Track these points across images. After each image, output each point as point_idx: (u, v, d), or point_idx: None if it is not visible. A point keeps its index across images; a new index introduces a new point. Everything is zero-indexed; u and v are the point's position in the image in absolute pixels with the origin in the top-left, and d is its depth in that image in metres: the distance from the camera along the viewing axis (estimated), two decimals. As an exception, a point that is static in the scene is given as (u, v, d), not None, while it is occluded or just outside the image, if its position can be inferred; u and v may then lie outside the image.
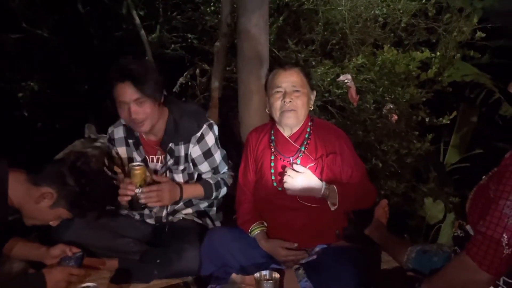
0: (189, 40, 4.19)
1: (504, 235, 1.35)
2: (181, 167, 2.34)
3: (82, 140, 3.75)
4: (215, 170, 2.39)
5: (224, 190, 2.37)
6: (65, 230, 2.21)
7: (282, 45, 3.88)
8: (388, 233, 2.29)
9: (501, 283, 1.43)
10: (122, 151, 2.40)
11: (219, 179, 2.36)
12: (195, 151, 2.32)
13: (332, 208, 2.08)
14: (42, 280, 1.91)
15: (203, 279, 2.13)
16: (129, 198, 2.12)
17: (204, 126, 2.32)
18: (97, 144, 3.63)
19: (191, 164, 2.35)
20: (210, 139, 2.34)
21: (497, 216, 1.36)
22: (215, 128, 2.38)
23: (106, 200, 2.14)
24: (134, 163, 2.18)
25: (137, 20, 4.06)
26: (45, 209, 1.92)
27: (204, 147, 2.33)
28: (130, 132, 2.36)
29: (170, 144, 2.29)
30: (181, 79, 4.13)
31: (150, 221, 2.43)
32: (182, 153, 2.32)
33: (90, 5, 4.48)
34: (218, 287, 2.06)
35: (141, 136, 2.35)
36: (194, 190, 2.31)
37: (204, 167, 2.36)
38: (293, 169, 2.10)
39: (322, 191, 2.06)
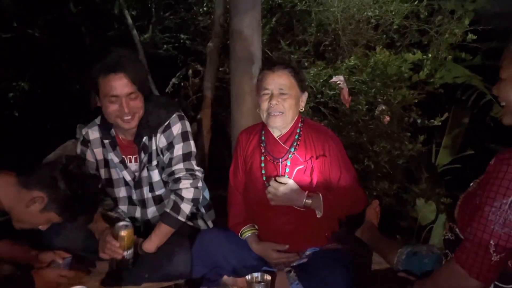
0: (181, 41, 4.19)
1: (491, 241, 1.35)
2: (154, 162, 2.27)
3: (74, 141, 3.71)
4: (168, 162, 2.23)
5: (186, 206, 2.19)
6: (55, 235, 2.17)
7: (275, 46, 3.89)
8: (379, 234, 2.30)
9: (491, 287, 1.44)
10: (98, 152, 2.30)
11: (174, 198, 2.19)
12: (162, 141, 2.23)
13: (318, 215, 2.08)
14: (30, 282, 1.89)
15: (194, 281, 2.12)
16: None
17: (174, 115, 2.22)
18: (89, 144, 3.61)
19: (162, 157, 2.27)
20: (176, 129, 2.22)
21: (483, 223, 1.36)
22: (186, 122, 2.27)
23: (98, 204, 2.11)
24: (121, 224, 2.07)
25: (129, 20, 4.04)
26: (35, 213, 1.89)
27: (169, 137, 2.22)
28: (105, 132, 2.27)
29: (143, 139, 2.22)
30: (173, 80, 4.13)
31: (139, 224, 2.40)
32: (154, 147, 2.24)
33: (81, 5, 4.46)
34: (209, 289, 2.06)
35: (117, 136, 2.27)
36: (161, 237, 2.18)
37: (165, 158, 2.25)
38: (276, 181, 2.08)
39: (303, 201, 2.05)
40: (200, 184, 2.25)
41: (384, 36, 3.91)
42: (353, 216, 2.31)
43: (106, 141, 2.28)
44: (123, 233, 2.03)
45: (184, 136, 2.25)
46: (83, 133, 2.33)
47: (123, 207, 2.37)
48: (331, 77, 3.56)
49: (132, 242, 2.06)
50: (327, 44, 3.96)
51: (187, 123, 2.28)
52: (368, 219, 2.35)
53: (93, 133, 2.31)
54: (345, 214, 2.21)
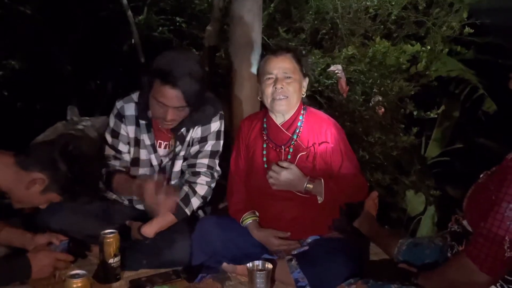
0: (177, 24, 4.10)
1: (506, 237, 1.35)
2: (182, 153, 2.26)
3: (64, 123, 3.64)
4: (195, 154, 2.25)
5: (196, 201, 2.21)
6: (52, 217, 2.12)
7: (272, 33, 3.84)
8: (378, 225, 2.30)
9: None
10: (131, 130, 2.24)
11: (187, 189, 2.21)
12: (197, 132, 2.23)
13: (319, 201, 2.08)
14: (27, 265, 1.85)
15: (193, 268, 2.09)
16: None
17: (219, 113, 2.25)
18: (80, 127, 3.54)
19: (191, 147, 2.27)
20: (215, 126, 2.24)
21: (499, 219, 1.37)
22: (223, 121, 2.28)
23: (98, 184, 2.07)
24: (106, 231, 1.99)
25: (124, 1, 3.95)
26: (35, 194, 1.85)
27: (205, 132, 2.24)
28: (142, 112, 2.20)
29: (182, 130, 2.20)
30: (168, 63, 4.04)
31: (140, 206, 2.35)
32: (188, 138, 2.23)
33: (75, -17, 4.34)
34: (208, 276, 2.04)
35: (153, 119, 2.22)
36: (162, 224, 2.15)
37: (193, 149, 2.26)
38: (278, 165, 2.08)
39: (304, 186, 2.05)
40: (214, 184, 2.27)
41: (382, 26, 3.89)
42: (352, 206, 2.31)
43: (142, 122, 2.23)
44: (107, 239, 1.96)
45: (218, 135, 2.27)
46: (118, 106, 2.24)
47: None
48: (328, 66, 3.54)
49: (118, 249, 1.99)
50: (324, 33, 3.92)
51: (223, 123, 2.29)
52: (366, 210, 2.35)
53: (129, 110, 2.23)
54: (347, 201, 2.21)
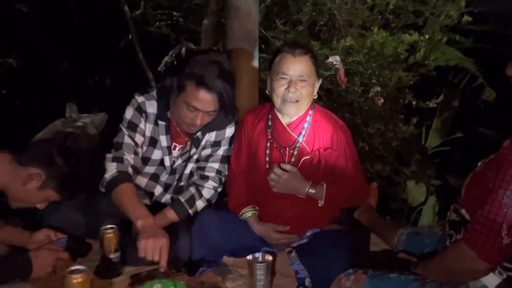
0: (174, 18, 4.09)
1: (503, 225, 1.35)
2: (196, 156, 2.24)
3: (63, 120, 3.65)
4: (206, 157, 2.24)
5: (200, 204, 2.19)
6: (51, 214, 2.11)
7: (269, 25, 3.82)
8: (377, 216, 2.31)
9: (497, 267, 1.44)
10: (148, 127, 2.17)
11: (193, 191, 2.19)
12: (211, 136, 2.21)
13: (320, 204, 2.07)
14: (28, 264, 1.85)
15: (194, 262, 2.09)
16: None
17: (235, 119, 2.23)
18: (79, 124, 3.54)
19: (203, 150, 2.25)
20: (229, 132, 2.22)
21: (497, 206, 1.37)
22: (236, 126, 2.26)
23: (96, 181, 2.06)
24: (106, 226, 1.96)
25: (121, -4, 3.95)
26: (33, 190, 1.85)
27: (219, 136, 2.21)
28: (162, 112, 2.14)
29: (198, 133, 2.17)
30: (166, 58, 4.03)
31: (146, 201, 2.31)
32: (203, 142, 2.21)
33: (71, -21, 4.34)
34: (209, 270, 2.04)
35: (171, 120, 2.17)
36: (163, 222, 2.09)
37: (205, 152, 2.24)
38: (280, 167, 2.05)
39: (306, 191, 2.03)
40: (220, 189, 2.26)
41: (380, 16, 3.87)
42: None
43: (161, 123, 2.17)
44: (107, 235, 1.95)
45: (231, 140, 2.25)
46: (139, 101, 2.16)
47: (143, 179, 2.30)
48: (327, 57, 3.52)
49: (118, 244, 1.98)
50: (322, 24, 3.90)
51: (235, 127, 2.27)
52: (366, 201, 2.36)
53: (151, 107, 2.16)
54: (347, 205, 2.21)
